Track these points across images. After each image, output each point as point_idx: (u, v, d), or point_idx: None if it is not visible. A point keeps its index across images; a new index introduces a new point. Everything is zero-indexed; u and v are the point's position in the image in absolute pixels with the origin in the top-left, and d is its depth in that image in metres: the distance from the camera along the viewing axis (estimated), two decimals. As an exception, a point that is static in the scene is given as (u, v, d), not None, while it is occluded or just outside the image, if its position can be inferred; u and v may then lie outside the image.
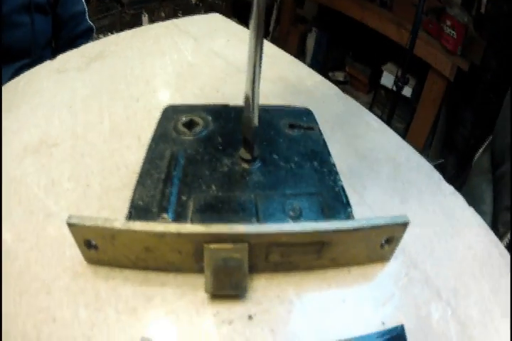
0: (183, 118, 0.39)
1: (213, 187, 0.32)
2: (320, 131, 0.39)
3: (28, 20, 0.84)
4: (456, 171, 1.32)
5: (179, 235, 0.27)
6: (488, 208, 0.58)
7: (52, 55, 0.93)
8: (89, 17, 1.00)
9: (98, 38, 0.60)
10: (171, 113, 0.40)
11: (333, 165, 0.34)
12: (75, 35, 0.98)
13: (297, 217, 0.30)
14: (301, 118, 0.39)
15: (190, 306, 0.29)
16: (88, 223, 0.27)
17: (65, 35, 0.96)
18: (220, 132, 0.38)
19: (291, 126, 0.38)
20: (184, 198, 0.31)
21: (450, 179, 0.40)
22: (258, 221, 0.30)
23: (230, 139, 0.37)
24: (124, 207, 0.32)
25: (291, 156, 0.35)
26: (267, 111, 0.41)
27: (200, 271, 0.29)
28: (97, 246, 0.29)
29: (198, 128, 0.38)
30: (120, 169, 0.37)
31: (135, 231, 0.27)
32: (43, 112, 0.43)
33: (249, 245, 0.27)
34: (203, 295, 0.29)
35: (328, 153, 0.35)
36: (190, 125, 0.39)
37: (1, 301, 0.28)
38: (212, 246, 0.27)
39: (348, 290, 0.31)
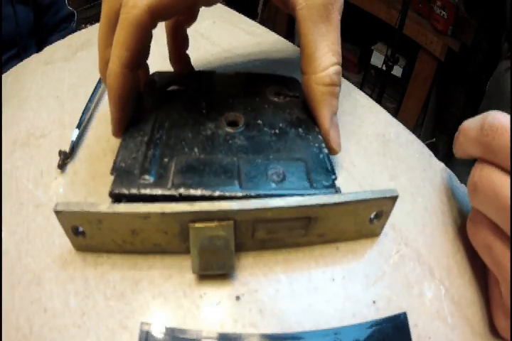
0: (169, 84, 0.38)
1: (196, 149, 0.32)
2: None
3: (11, 12, 0.85)
4: (447, 151, 1.32)
5: (163, 214, 0.26)
6: None
7: (38, 44, 0.95)
8: (75, 8, 1.03)
9: (86, 28, 0.59)
10: (156, 79, 0.39)
11: (318, 132, 0.34)
12: (57, 22, 0.99)
13: (280, 181, 0.29)
14: (288, 86, 0.38)
15: (177, 288, 0.29)
16: (74, 209, 0.27)
17: (47, 23, 0.97)
18: (205, 97, 0.37)
19: (277, 94, 0.38)
20: (166, 160, 0.31)
21: (442, 159, 0.40)
22: (240, 184, 0.29)
23: (214, 104, 0.36)
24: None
25: (275, 122, 0.34)
26: (253, 77, 0.40)
27: (187, 251, 0.28)
28: (85, 232, 0.28)
29: (183, 94, 0.38)
30: (107, 154, 0.37)
31: (120, 214, 0.27)
32: (31, 105, 0.43)
33: (234, 222, 0.27)
34: (190, 277, 0.29)
35: (314, 121, 0.35)
36: (175, 90, 0.38)
37: (1, 299, 0.28)
38: (197, 224, 0.27)
39: (337, 267, 0.30)
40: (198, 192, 0.28)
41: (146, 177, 0.29)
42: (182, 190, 0.28)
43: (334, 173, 0.30)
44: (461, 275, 0.31)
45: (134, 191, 0.28)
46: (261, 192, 0.28)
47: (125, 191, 0.28)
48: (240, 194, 0.28)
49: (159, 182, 0.29)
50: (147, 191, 0.28)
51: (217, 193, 0.28)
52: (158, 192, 0.28)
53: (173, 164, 0.30)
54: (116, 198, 0.29)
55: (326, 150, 0.32)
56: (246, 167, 0.30)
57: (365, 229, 0.31)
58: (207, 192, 0.28)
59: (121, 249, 0.29)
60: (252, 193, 0.28)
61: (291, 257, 0.30)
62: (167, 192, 0.28)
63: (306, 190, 0.29)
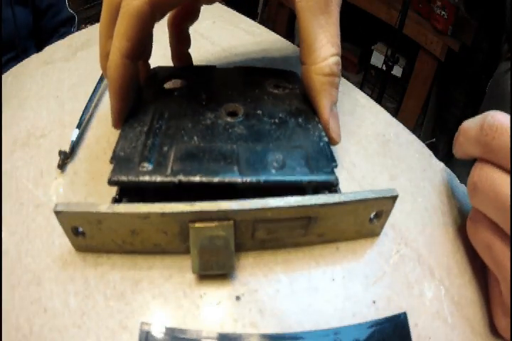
0: (169, 77, 0.39)
1: (195, 138, 0.31)
2: None
3: (10, 14, 0.85)
4: (447, 151, 1.33)
5: (163, 214, 0.26)
6: None
7: (37, 46, 0.95)
8: (75, 8, 1.02)
9: (86, 28, 0.59)
10: (157, 73, 0.39)
11: (318, 122, 0.33)
12: (56, 25, 0.98)
13: (280, 168, 0.29)
14: (287, 79, 0.39)
15: (177, 288, 0.29)
16: (74, 209, 0.27)
17: (46, 25, 0.97)
18: (205, 89, 0.37)
19: (276, 86, 0.38)
20: (166, 148, 0.30)
21: (442, 159, 0.40)
22: (240, 170, 0.29)
23: (214, 96, 0.36)
24: (110, 191, 0.31)
25: (275, 112, 0.34)
26: (253, 70, 0.41)
27: (187, 251, 0.28)
28: (85, 233, 0.28)
29: (183, 86, 0.38)
30: (107, 154, 0.37)
31: (120, 214, 0.27)
32: (31, 105, 0.43)
33: (234, 222, 0.27)
34: (190, 277, 0.29)
35: (313, 112, 0.35)
36: (175, 83, 0.38)
37: (1, 299, 0.28)
38: (197, 224, 0.27)
39: (337, 267, 0.30)
40: (197, 178, 0.28)
41: (145, 164, 0.29)
42: (181, 177, 0.28)
43: (334, 161, 0.30)
44: (461, 275, 0.31)
45: (132, 178, 0.28)
46: (260, 178, 0.28)
47: (124, 178, 0.28)
48: (239, 180, 0.28)
49: (158, 169, 0.29)
50: (146, 178, 0.28)
51: (216, 179, 0.28)
52: (158, 178, 0.28)
53: (172, 152, 0.30)
54: (116, 186, 0.29)
55: (326, 139, 0.32)
56: (245, 154, 0.30)
57: (365, 229, 0.31)
58: (206, 179, 0.28)
59: (121, 249, 0.29)
60: (252, 179, 0.28)
61: (291, 257, 0.30)
62: (166, 179, 0.28)
63: (306, 176, 0.29)
